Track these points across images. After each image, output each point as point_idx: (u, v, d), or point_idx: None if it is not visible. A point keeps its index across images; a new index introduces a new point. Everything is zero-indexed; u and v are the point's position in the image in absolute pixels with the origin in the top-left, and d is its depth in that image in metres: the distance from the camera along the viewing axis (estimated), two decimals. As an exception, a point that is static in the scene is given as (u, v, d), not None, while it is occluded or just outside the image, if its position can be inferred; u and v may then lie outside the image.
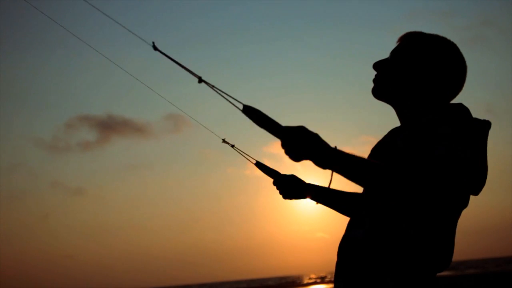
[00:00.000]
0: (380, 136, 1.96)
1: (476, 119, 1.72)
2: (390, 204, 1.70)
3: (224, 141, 2.24)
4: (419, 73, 1.78)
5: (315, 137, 1.49)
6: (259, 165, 2.33)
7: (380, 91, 1.84)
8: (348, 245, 1.77)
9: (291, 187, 2.25)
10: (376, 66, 1.86)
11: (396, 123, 1.91)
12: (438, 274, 1.73)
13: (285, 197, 2.27)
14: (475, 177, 1.67)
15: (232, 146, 2.25)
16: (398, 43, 1.86)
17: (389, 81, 1.82)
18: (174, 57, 1.51)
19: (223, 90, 1.51)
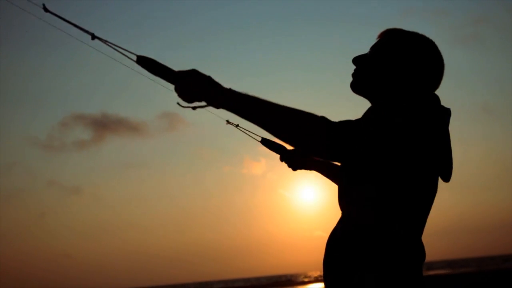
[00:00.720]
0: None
1: (438, 108, 1.75)
2: (359, 191, 1.72)
3: (228, 122, 2.25)
4: (396, 69, 1.80)
5: (207, 78, 1.55)
6: (265, 141, 2.40)
7: (358, 86, 1.87)
8: (329, 240, 1.81)
9: (298, 159, 2.45)
10: (355, 60, 1.88)
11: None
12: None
13: (294, 168, 2.47)
14: (429, 160, 1.69)
15: (237, 125, 2.28)
16: (377, 39, 1.89)
17: (366, 76, 1.85)
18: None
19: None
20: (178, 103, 1.58)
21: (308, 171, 2.50)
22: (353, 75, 1.88)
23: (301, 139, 1.57)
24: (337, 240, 1.77)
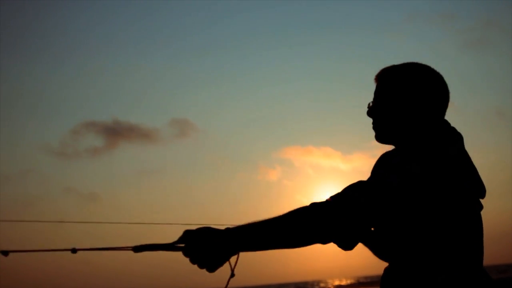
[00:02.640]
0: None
1: (452, 135, 1.80)
2: (392, 239, 1.75)
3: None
4: (403, 108, 1.82)
5: (208, 239, 1.55)
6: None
7: (382, 138, 1.87)
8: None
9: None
10: (369, 114, 1.89)
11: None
12: None
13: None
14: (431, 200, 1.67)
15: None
16: (375, 84, 1.89)
17: (384, 126, 1.85)
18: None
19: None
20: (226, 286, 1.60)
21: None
22: (373, 128, 1.89)
23: (304, 240, 1.64)
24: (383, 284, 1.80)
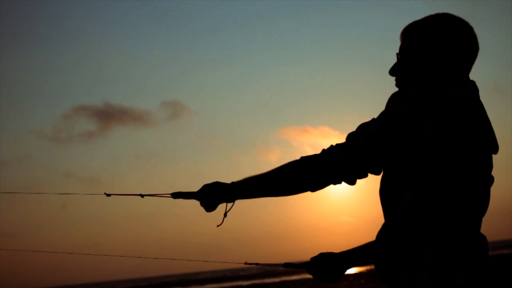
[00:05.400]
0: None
1: (449, 92, 1.71)
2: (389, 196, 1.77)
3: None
4: (425, 61, 1.78)
5: (216, 185, 1.89)
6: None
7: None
8: (378, 234, 1.81)
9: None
10: (392, 72, 1.86)
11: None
12: None
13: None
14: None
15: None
16: (401, 41, 1.87)
17: (406, 80, 1.82)
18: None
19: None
20: (218, 226, 1.95)
21: None
22: (396, 85, 1.85)
23: (286, 188, 1.84)
24: (385, 231, 1.78)
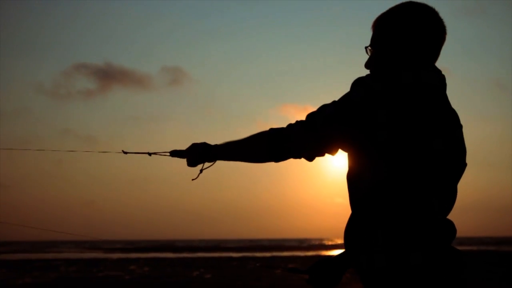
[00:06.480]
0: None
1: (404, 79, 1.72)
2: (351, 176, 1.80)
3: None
4: (394, 49, 1.82)
5: (202, 145, 2.02)
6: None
7: None
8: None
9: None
10: (367, 65, 1.89)
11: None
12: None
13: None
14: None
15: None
16: (372, 31, 1.89)
17: (382, 68, 1.83)
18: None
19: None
20: (192, 179, 2.11)
21: None
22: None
23: (254, 156, 1.93)
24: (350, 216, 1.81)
